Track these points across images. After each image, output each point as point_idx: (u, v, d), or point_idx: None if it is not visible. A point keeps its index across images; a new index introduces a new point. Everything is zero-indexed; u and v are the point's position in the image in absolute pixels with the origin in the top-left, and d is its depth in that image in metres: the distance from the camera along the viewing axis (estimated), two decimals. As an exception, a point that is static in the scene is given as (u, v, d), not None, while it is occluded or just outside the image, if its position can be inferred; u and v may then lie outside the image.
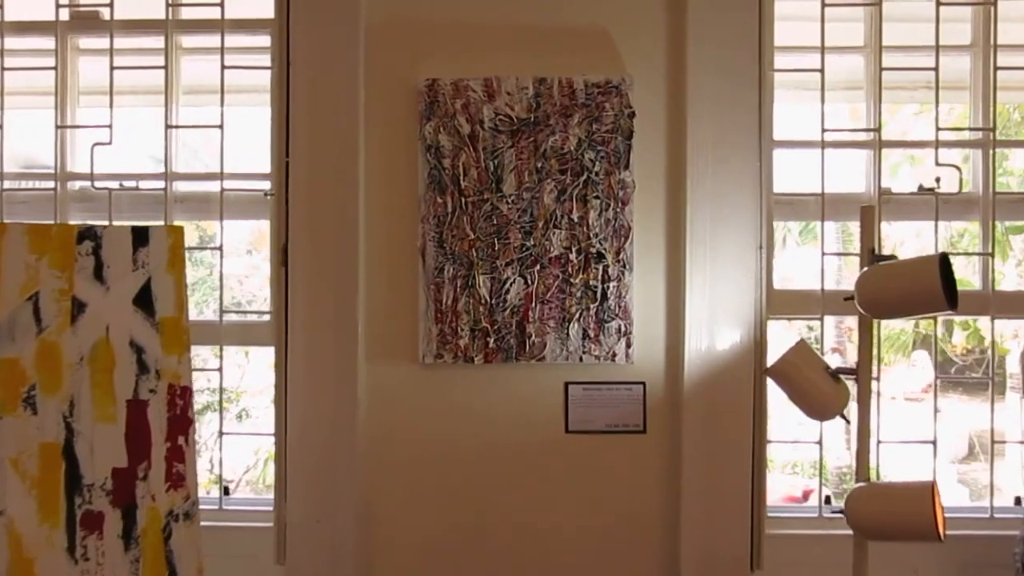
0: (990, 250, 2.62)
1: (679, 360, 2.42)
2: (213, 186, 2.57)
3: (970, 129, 2.68)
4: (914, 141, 2.79)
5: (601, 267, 2.39)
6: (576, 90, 2.38)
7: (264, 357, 3.46)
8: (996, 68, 2.63)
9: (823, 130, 2.61)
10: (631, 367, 2.42)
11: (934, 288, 1.72)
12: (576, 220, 2.39)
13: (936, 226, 2.61)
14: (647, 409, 2.43)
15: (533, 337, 2.39)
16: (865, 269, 1.89)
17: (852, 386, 2.02)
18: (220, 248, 2.57)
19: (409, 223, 2.43)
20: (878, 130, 2.63)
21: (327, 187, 2.42)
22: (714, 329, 2.39)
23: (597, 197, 2.38)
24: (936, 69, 2.61)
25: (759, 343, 2.41)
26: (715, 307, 2.39)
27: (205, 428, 4.59)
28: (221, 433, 2.62)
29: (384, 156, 2.45)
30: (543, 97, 2.39)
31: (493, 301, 2.39)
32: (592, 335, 2.39)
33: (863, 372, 1.96)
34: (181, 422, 2.03)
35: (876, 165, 2.63)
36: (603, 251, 2.38)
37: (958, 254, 2.79)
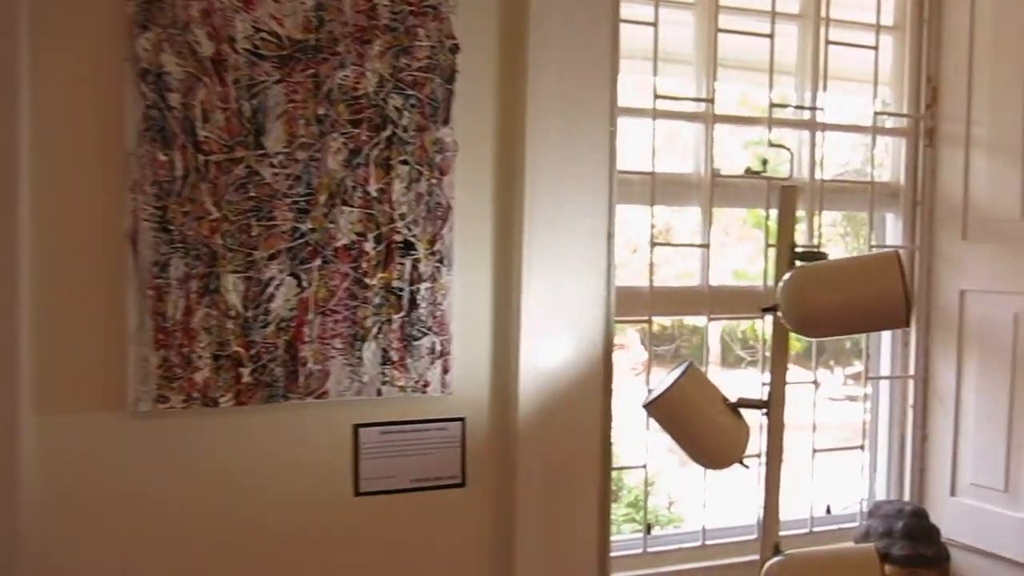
0: (816, 243, 2.34)
1: (510, 385, 1.81)
2: None
3: (797, 107, 2.38)
4: (746, 116, 2.47)
5: (409, 262, 1.70)
6: (377, 5, 1.65)
7: None
8: (828, 42, 2.35)
9: (655, 96, 2.15)
10: (448, 399, 1.77)
11: (894, 297, 1.28)
12: (375, 194, 1.67)
13: (767, 214, 2.29)
14: (467, 453, 1.80)
15: (310, 364, 1.64)
16: (792, 273, 1.41)
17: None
18: None
19: (110, 192, 1.54)
20: (711, 100, 2.23)
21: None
22: (555, 341, 1.81)
23: (405, 162, 1.68)
24: (772, 36, 2.28)
25: (607, 357, 1.88)
26: (557, 313, 1.81)
27: None
28: None
29: (67, 85, 1.53)
30: (328, 11, 1.62)
31: (249, 313, 1.60)
32: (396, 358, 1.70)
33: (776, 406, 1.49)
34: None
35: (708, 141, 2.24)
36: (413, 239, 1.69)
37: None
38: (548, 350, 1.80)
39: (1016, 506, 2.24)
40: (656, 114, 2.17)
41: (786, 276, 1.40)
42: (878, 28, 2.41)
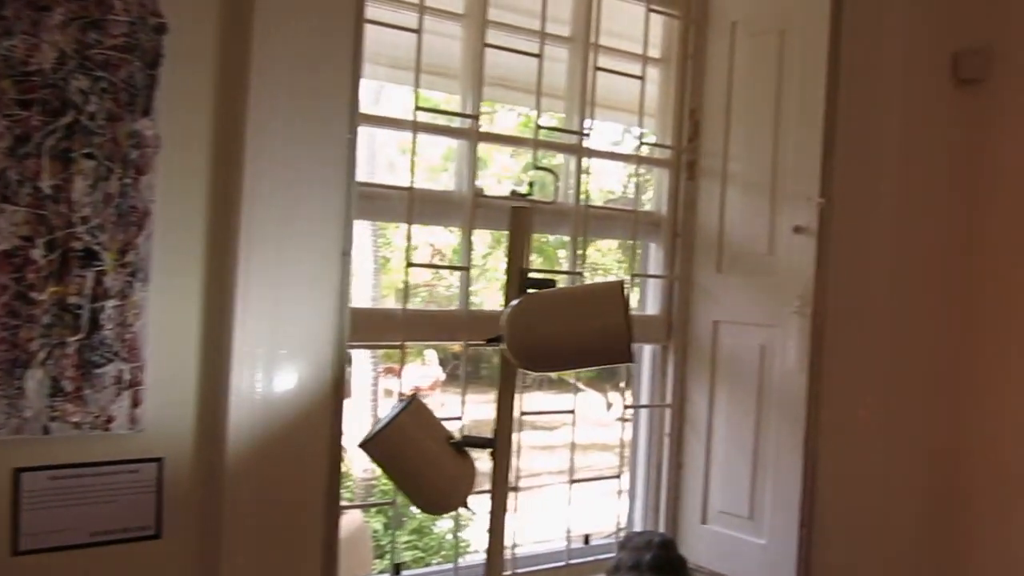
0: (579, 269, 2.30)
1: (220, 418, 1.57)
2: None
3: (564, 131, 2.34)
4: (513, 137, 2.39)
5: (92, 274, 1.43)
6: (57, -34, 1.39)
7: None
8: (596, 68, 2.33)
9: (416, 108, 2.02)
10: (139, 436, 1.50)
11: (616, 332, 1.20)
12: (49, 191, 1.38)
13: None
14: (164, 500, 1.54)
15: (-49, 395, 1.33)
16: (516, 301, 1.30)
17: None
18: None
19: None
20: (476, 117, 2.13)
21: None
22: (276, 369, 1.60)
23: (91, 156, 1.42)
24: (540, 56, 2.21)
25: (338, 385, 1.69)
26: (279, 337, 1.60)
27: None
28: None
29: None
30: (-11, -34, 1.34)
31: None
32: (70, 389, 1.42)
33: (502, 446, 1.37)
34: None
35: (472, 159, 2.13)
36: (97, 247, 1.43)
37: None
38: (267, 379, 1.59)
39: (758, 532, 2.29)
40: (417, 127, 2.03)
41: (511, 304, 1.29)
42: (645, 59, 2.41)
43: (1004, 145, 2.60)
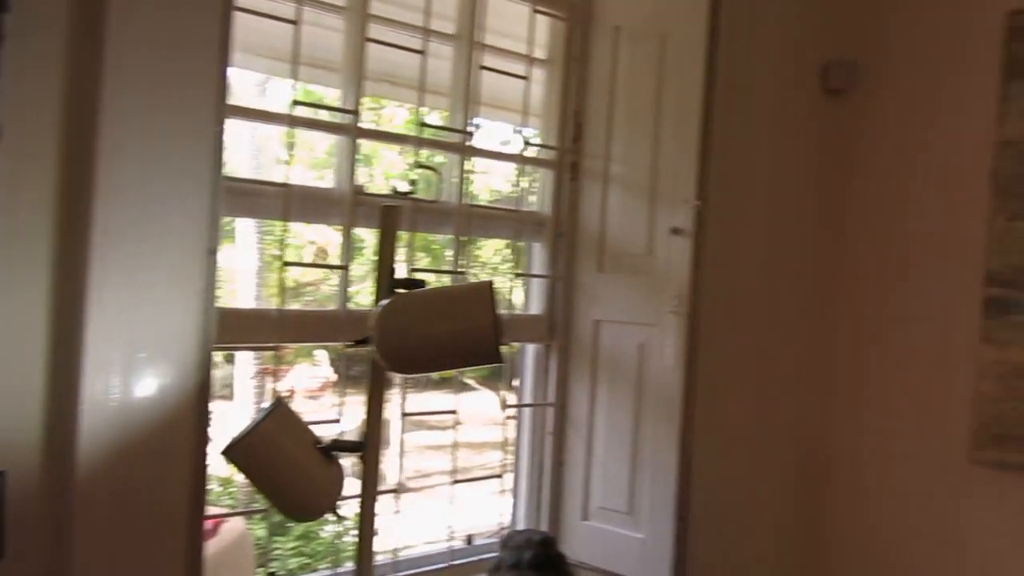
0: (462, 268, 2.29)
1: (70, 427, 1.47)
2: None
3: (448, 129, 2.32)
4: (394, 133, 2.34)
5: (-81, 272, 1.31)
6: None
7: None
8: (481, 67, 2.31)
9: (294, 102, 1.96)
10: (-24, 448, 1.39)
11: (484, 331, 1.18)
12: None
13: (413, 237, 2.19)
14: (6, 517, 1.42)
15: None
16: (386, 301, 1.27)
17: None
18: None
19: None
20: (356, 113, 2.08)
21: None
22: (133, 373, 1.51)
23: (-84, 143, 1.30)
24: (424, 53, 2.18)
25: (203, 389, 1.61)
26: (137, 339, 1.51)
27: None
28: None
29: None
30: None
31: None
32: None
33: (371, 449, 1.33)
34: None
35: (351, 155, 2.08)
36: (-76, 243, 1.31)
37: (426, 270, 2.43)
38: (124, 383, 1.49)
39: (637, 527, 2.34)
40: (294, 122, 1.97)
41: (380, 305, 1.26)
42: (531, 60, 2.42)
43: (868, 151, 2.75)
